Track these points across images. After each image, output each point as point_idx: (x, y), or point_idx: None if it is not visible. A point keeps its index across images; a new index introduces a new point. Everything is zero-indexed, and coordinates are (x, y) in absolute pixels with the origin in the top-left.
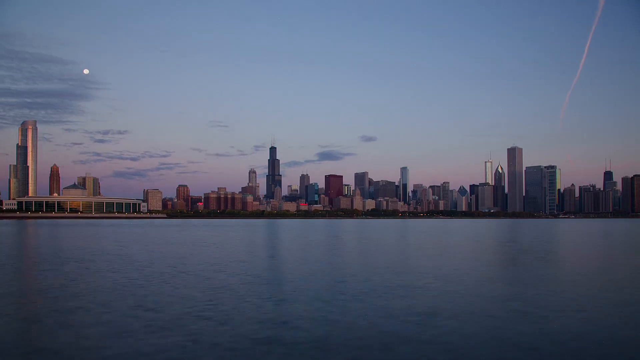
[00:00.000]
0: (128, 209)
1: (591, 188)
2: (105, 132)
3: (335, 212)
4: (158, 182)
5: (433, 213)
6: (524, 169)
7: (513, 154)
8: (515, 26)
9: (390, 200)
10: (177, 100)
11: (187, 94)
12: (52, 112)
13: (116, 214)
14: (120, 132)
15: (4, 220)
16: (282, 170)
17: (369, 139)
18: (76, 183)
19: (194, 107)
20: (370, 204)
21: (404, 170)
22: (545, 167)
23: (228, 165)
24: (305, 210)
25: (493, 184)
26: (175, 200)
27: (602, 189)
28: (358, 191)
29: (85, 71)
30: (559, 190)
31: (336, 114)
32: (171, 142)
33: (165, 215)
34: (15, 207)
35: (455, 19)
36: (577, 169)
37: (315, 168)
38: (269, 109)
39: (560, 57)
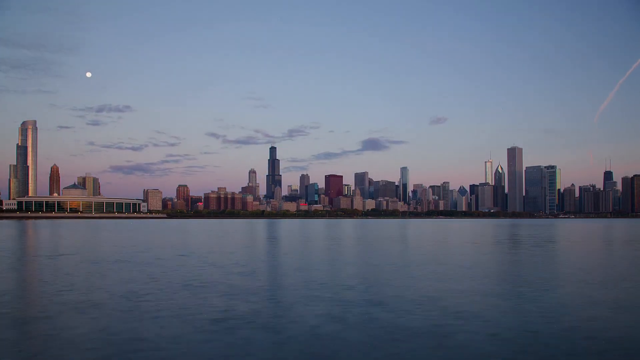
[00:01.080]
0: (128, 209)
1: (591, 188)
2: (100, 110)
3: (335, 212)
4: (160, 178)
5: (433, 213)
6: (524, 169)
7: (513, 154)
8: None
9: (390, 200)
10: (198, 66)
11: (213, 58)
12: (26, 75)
13: (116, 214)
14: (119, 109)
15: (4, 221)
16: (308, 164)
17: (438, 121)
18: (76, 183)
19: (220, 77)
20: (370, 204)
21: (404, 170)
22: (545, 167)
23: (248, 155)
24: (305, 210)
25: (493, 184)
26: (175, 200)
27: (602, 189)
28: (358, 191)
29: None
30: (558, 190)
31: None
32: (183, 124)
33: (165, 215)
34: (15, 207)
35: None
36: (577, 169)
37: (358, 159)
38: (312, 88)
39: (609, 56)
